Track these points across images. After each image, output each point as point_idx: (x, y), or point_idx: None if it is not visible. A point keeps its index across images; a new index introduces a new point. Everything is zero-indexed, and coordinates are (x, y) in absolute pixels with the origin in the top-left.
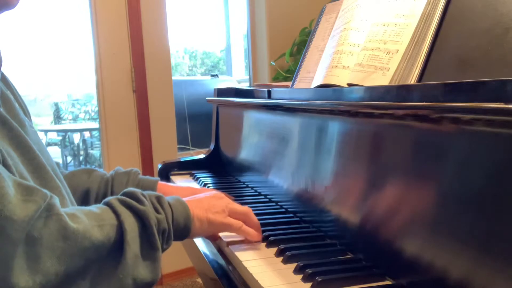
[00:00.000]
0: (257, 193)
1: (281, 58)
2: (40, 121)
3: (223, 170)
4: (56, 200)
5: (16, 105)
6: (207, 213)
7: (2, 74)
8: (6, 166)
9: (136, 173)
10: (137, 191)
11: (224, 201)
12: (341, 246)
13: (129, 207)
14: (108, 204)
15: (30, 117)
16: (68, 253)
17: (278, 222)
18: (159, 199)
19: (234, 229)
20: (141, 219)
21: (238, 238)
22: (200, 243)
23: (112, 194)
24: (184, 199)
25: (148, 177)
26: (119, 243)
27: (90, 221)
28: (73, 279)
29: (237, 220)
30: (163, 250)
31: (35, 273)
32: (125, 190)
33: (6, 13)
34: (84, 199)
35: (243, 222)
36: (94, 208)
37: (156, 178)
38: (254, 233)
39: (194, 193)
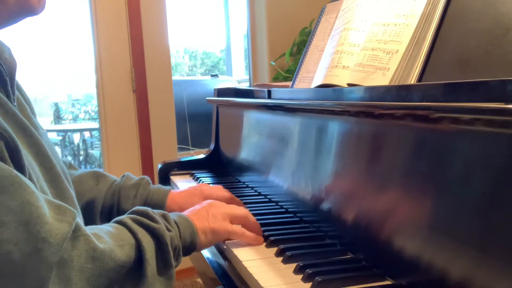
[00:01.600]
0: (257, 193)
1: (281, 58)
2: (40, 121)
3: (223, 170)
4: (79, 219)
5: (27, 106)
6: (209, 223)
7: None
8: (30, 181)
9: (146, 184)
10: (148, 209)
11: (223, 208)
12: (341, 246)
13: (144, 225)
14: (122, 223)
15: (36, 116)
16: (96, 274)
17: (278, 222)
18: (165, 217)
19: (237, 236)
20: (156, 237)
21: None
22: None
23: (118, 209)
24: (184, 213)
25: (159, 186)
26: (138, 262)
27: (111, 241)
28: None
29: (239, 228)
30: (175, 266)
31: None
32: (135, 208)
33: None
34: (89, 209)
35: (244, 225)
36: (110, 227)
37: (168, 187)
38: (256, 238)
39: (202, 193)
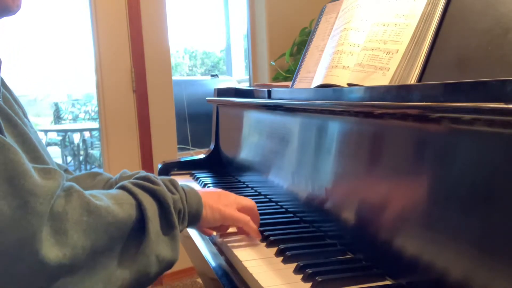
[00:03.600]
0: (257, 193)
1: (281, 58)
2: (40, 121)
3: (223, 170)
4: (74, 184)
5: (15, 105)
6: (218, 204)
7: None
8: None
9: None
10: (150, 174)
11: (232, 197)
12: (341, 246)
13: (144, 188)
14: (122, 187)
15: (28, 119)
16: (93, 227)
17: (278, 222)
18: (172, 182)
19: (242, 223)
20: (157, 198)
21: (235, 236)
22: (200, 243)
23: None
24: None
25: None
26: (140, 220)
27: (109, 200)
28: (99, 255)
29: (245, 216)
30: (180, 230)
31: (63, 246)
32: (137, 175)
33: (6, 18)
34: None
35: (249, 216)
36: (110, 191)
37: None
38: (257, 230)
39: None
